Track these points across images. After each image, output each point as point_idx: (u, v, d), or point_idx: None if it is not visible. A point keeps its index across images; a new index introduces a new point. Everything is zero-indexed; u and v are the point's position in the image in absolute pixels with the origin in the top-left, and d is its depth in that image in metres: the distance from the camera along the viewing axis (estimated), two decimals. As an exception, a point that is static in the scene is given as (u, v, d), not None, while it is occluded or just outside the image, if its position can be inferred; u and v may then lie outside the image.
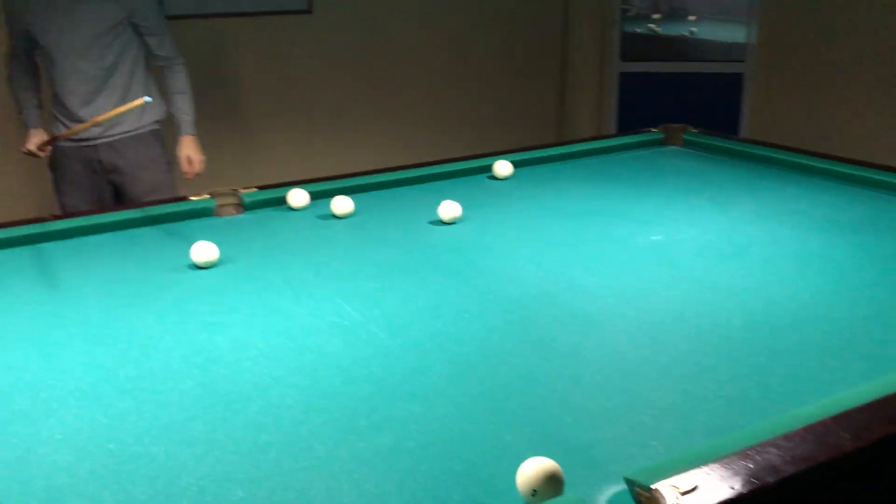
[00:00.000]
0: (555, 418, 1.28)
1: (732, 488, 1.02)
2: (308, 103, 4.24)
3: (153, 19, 2.89)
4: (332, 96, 4.29)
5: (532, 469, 1.06)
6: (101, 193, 2.99)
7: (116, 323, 1.64)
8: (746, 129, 4.73)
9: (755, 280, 1.80)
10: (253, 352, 1.51)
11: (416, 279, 1.83)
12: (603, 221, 2.20)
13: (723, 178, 2.56)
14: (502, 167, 2.60)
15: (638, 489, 1.03)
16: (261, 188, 2.39)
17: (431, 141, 4.38)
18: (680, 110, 3.88)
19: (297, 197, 2.33)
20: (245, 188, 2.37)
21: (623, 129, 4.35)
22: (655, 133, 2.97)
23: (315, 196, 2.35)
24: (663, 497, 1.00)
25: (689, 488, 1.01)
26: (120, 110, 2.48)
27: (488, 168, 2.62)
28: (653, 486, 1.01)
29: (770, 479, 1.04)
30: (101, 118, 2.57)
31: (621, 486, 1.06)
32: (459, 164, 2.66)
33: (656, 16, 4.95)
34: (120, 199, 3.01)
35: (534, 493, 1.04)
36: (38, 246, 2.07)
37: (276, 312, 1.68)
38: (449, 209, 2.18)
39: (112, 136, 2.91)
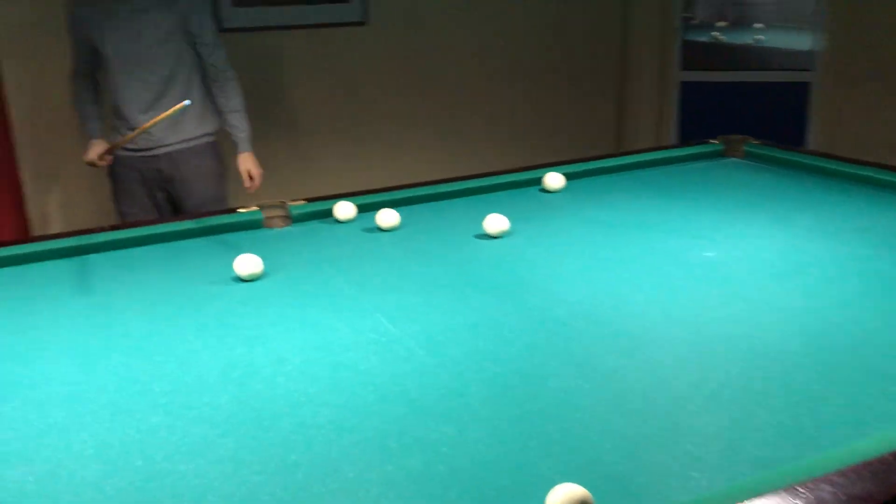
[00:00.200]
0: (593, 444, 1.23)
1: (778, 528, 0.96)
2: (360, 115, 4.25)
3: (206, 28, 2.95)
4: (385, 108, 4.29)
5: (561, 496, 1.01)
6: (157, 203, 3.06)
7: (156, 336, 1.65)
8: (814, 141, 4.57)
9: (814, 301, 1.71)
10: (289, 367, 1.50)
11: (459, 295, 1.80)
12: (656, 236, 2.13)
13: (784, 192, 2.47)
14: (553, 179, 2.55)
15: (675, 526, 0.98)
16: (308, 200, 2.39)
17: (485, 152, 4.34)
18: (744, 121, 3.77)
19: (344, 210, 2.32)
20: (293, 200, 2.38)
21: (684, 141, 4.24)
22: (714, 144, 2.89)
23: (362, 209, 2.35)
24: (701, 536, 0.95)
25: (731, 527, 0.96)
26: (163, 116, 2.51)
27: (539, 180, 2.57)
28: (691, 524, 0.96)
29: (821, 520, 0.98)
30: (147, 124, 2.61)
31: (658, 522, 1.01)
32: (509, 177, 2.62)
33: (721, 23, 4.83)
34: (176, 209, 3.07)
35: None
36: (87, 257, 2.11)
37: (315, 326, 1.67)
38: (495, 223, 2.14)
39: (170, 144, 2.97)
